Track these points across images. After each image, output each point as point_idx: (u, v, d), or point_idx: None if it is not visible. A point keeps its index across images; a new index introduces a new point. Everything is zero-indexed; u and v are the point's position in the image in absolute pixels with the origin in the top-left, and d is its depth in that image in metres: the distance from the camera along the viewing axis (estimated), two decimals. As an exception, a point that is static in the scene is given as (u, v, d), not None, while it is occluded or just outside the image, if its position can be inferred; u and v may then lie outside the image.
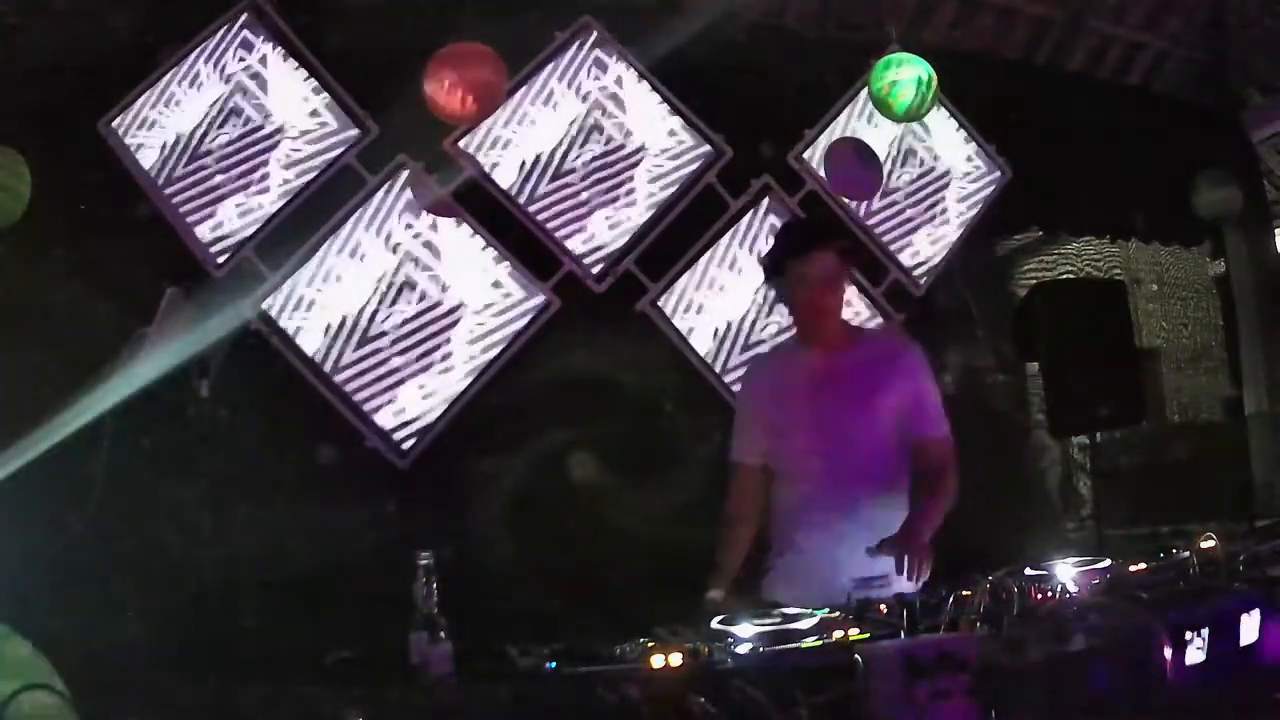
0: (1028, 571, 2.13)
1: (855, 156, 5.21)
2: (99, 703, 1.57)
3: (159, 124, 4.28)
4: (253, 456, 3.83)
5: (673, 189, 4.95)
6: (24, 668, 1.53)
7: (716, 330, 4.97)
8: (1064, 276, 8.87)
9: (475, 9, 4.38)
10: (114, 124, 4.21)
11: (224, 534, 3.59)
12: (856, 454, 2.81)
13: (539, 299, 4.64)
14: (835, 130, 5.33)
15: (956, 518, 2.79)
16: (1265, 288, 6.65)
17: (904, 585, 2.43)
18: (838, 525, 2.77)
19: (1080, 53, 6.22)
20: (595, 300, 4.76)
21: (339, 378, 4.36)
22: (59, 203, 3.79)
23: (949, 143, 5.60)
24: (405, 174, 4.54)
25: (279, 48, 4.46)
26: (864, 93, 5.16)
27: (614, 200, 4.86)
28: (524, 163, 4.77)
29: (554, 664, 1.81)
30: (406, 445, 4.40)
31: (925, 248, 5.47)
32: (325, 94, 4.49)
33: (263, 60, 4.45)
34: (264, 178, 4.38)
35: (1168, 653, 1.72)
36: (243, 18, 4.42)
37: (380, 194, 4.52)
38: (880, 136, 5.39)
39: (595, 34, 4.93)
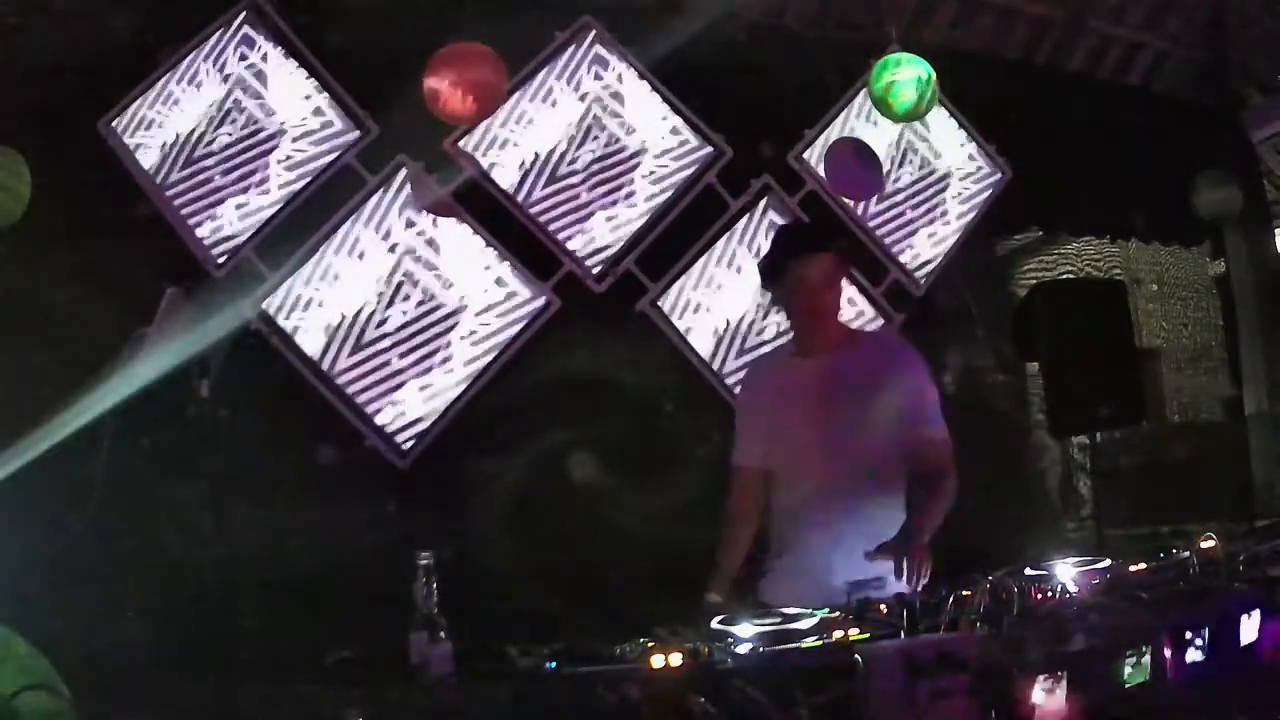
0: (1028, 571, 2.13)
1: (855, 156, 5.20)
2: (99, 703, 1.57)
3: (159, 124, 4.28)
4: (253, 456, 3.82)
5: (673, 189, 4.95)
6: (24, 668, 1.54)
7: (716, 330, 4.97)
8: (1064, 276, 8.87)
9: (475, 9, 4.38)
10: (114, 124, 4.21)
11: (224, 534, 3.58)
12: (854, 456, 2.80)
13: (539, 299, 4.64)
14: (835, 130, 5.33)
15: (956, 518, 2.79)
16: (1265, 288, 6.65)
17: (900, 586, 2.43)
18: (836, 527, 2.77)
19: (1080, 53, 6.22)
20: (595, 300, 4.76)
21: (339, 378, 4.36)
22: (59, 203, 3.79)
23: (949, 143, 5.60)
24: (405, 174, 4.54)
25: (279, 47, 4.47)
26: (864, 93, 5.16)
27: (614, 200, 4.86)
28: (524, 163, 4.77)
29: (554, 664, 1.82)
30: (406, 445, 4.40)
31: (925, 248, 5.46)
32: (325, 94, 4.49)
33: (263, 60, 4.45)
34: (264, 178, 4.38)
35: (1167, 653, 1.72)
36: (243, 17, 4.42)
37: (380, 194, 4.52)
38: (880, 136, 5.39)
39: (595, 34, 4.93)
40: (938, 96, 4.90)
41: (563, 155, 4.82)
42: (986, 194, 5.62)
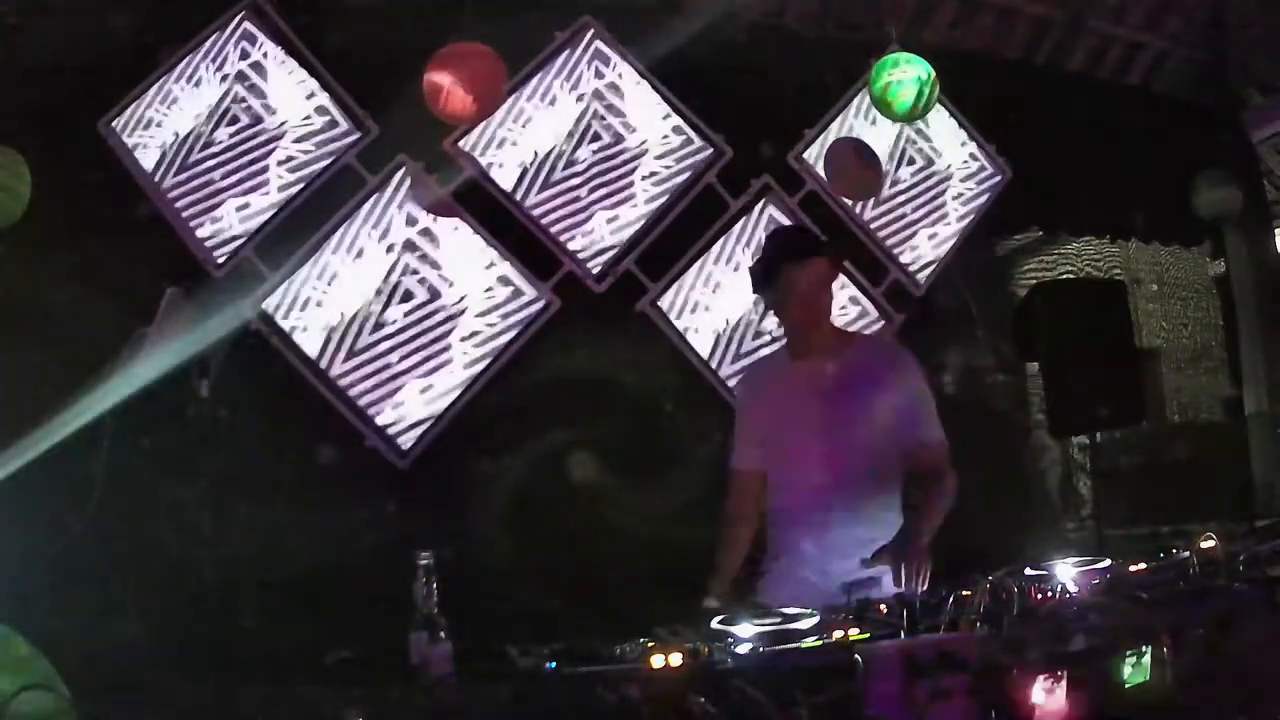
0: (1028, 571, 2.13)
1: (855, 156, 5.20)
2: (99, 703, 1.57)
3: (159, 124, 4.28)
4: (253, 456, 3.83)
5: (673, 189, 4.95)
6: (24, 668, 1.54)
7: (716, 330, 4.97)
8: (1064, 276, 8.87)
9: (475, 9, 4.38)
10: (114, 124, 4.21)
11: (224, 534, 3.59)
12: (851, 458, 2.81)
13: (539, 299, 4.64)
14: (835, 130, 5.33)
15: (956, 518, 2.79)
16: (1265, 288, 6.64)
17: (893, 587, 2.44)
18: (833, 529, 2.78)
19: (1080, 53, 6.22)
20: (595, 300, 4.76)
21: (339, 378, 4.35)
22: (59, 203, 3.78)
23: (949, 143, 5.60)
24: (405, 174, 4.54)
25: (279, 47, 4.46)
26: (864, 93, 5.16)
27: (614, 200, 4.86)
28: (524, 163, 4.77)
29: (554, 664, 1.82)
30: (406, 445, 4.40)
31: (925, 248, 5.46)
32: (325, 94, 4.49)
33: (263, 60, 4.45)
34: (264, 178, 4.38)
35: (1168, 653, 1.72)
36: (243, 17, 4.42)
37: (380, 194, 4.52)
38: (880, 136, 5.39)
39: (595, 34, 4.93)
40: (938, 96, 4.90)
41: (563, 155, 4.82)
42: (986, 194, 5.62)
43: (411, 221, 4.55)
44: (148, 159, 4.24)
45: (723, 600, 2.75)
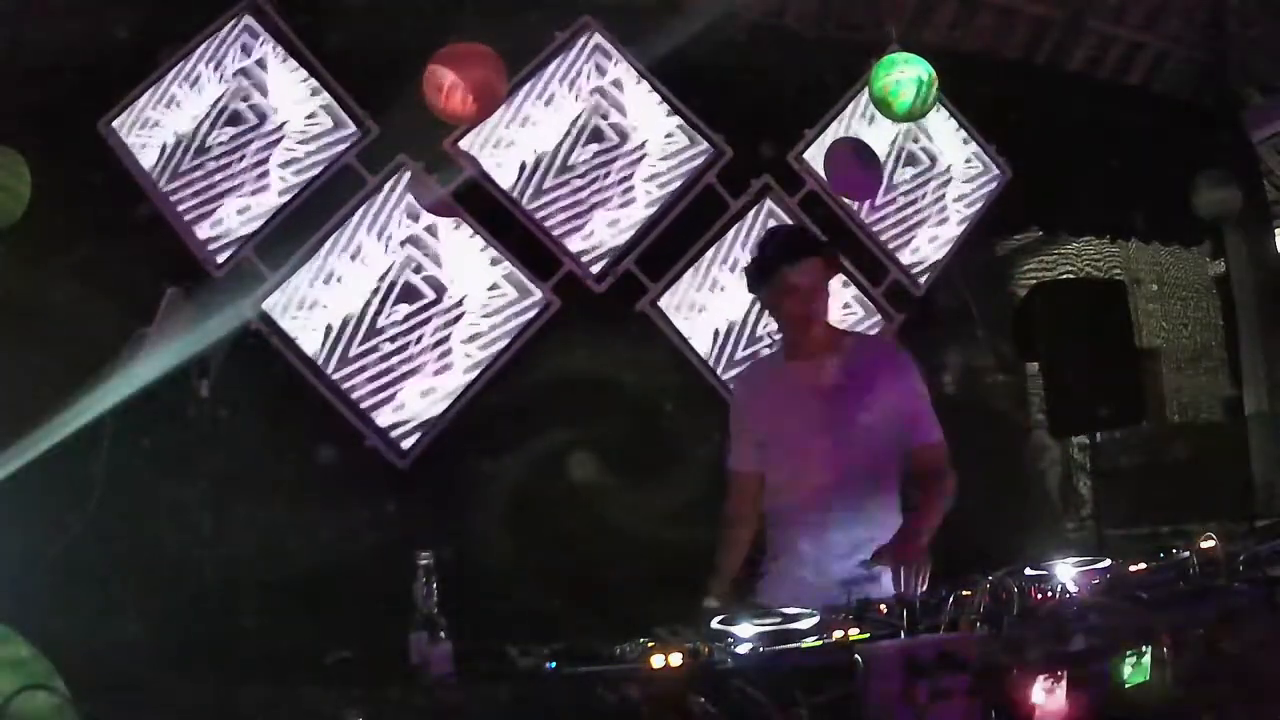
0: (1028, 571, 2.13)
1: (855, 156, 5.20)
2: (99, 703, 1.57)
3: (159, 124, 4.28)
4: (253, 456, 3.83)
5: (673, 189, 4.95)
6: (24, 668, 1.53)
7: (716, 330, 4.97)
8: (1064, 276, 8.88)
9: (475, 9, 4.37)
10: (114, 124, 4.21)
11: (224, 534, 3.59)
12: (849, 460, 2.80)
13: (539, 299, 4.64)
14: (835, 130, 5.33)
15: (956, 518, 2.79)
16: (1265, 288, 6.64)
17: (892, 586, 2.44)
18: (831, 530, 2.78)
19: (1080, 53, 6.22)
20: (595, 300, 4.76)
21: (339, 378, 4.36)
22: (59, 203, 3.78)
23: (949, 143, 5.60)
24: (405, 174, 4.54)
25: (279, 48, 4.46)
26: (864, 93, 5.16)
27: (614, 200, 4.86)
28: (524, 163, 4.77)
29: (554, 664, 1.82)
30: (406, 445, 4.40)
31: (925, 248, 5.46)
32: (325, 94, 4.49)
33: (263, 60, 4.45)
34: (264, 177, 4.38)
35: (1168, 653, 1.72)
36: (243, 18, 4.42)
37: (380, 194, 4.52)
38: (880, 136, 5.39)
39: (595, 34, 4.93)
40: (938, 96, 4.90)
41: (563, 155, 4.82)
42: (986, 194, 5.62)
43: (411, 222, 4.55)
44: (148, 159, 4.24)
45: (722, 601, 2.74)
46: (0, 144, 3.68)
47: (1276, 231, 7.12)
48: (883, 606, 2.07)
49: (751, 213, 5.10)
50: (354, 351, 4.39)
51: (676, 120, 5.00)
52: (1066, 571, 2.13)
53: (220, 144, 4.35)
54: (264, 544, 3.79)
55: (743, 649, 1.84)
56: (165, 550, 3.67)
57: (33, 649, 1.58)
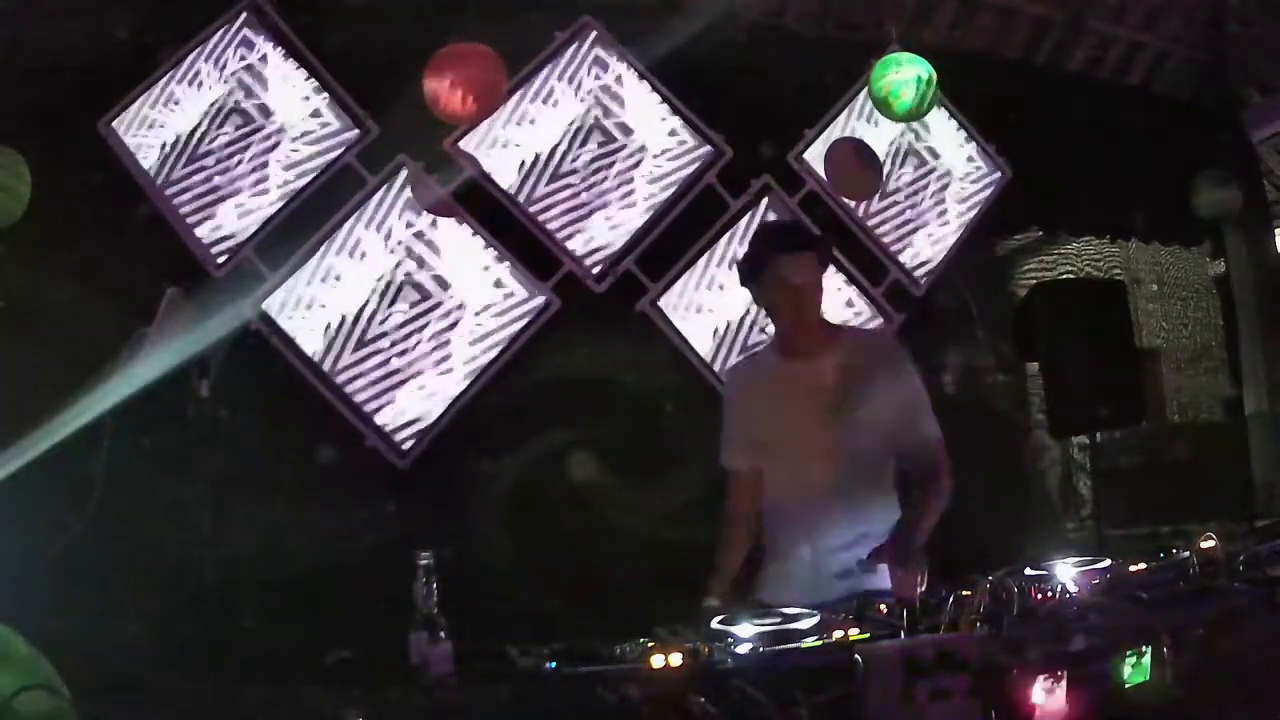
0: (1028, 571, 2.13)
1: (855, 156, 5.20)
2: (99, 703, 1.57)
3: (159, 124, 4.28)
4: (253, 456, 3.83)
5: (673, 189, 4.95)
6: (24, 668, 1.53)
7: (716, 330, 4.97)
8: (1064, 276, 8.87)
9: (475, 9, 4.38)
10: (114, 124, 4.21)
11: (224, 534, 3.60)
12: (844, 456, 2.78)
13: (539, 299, 4.64)
14: (835, 130, 5.33)
15: (957, 518, 2.78)
16: (1265, 288, 6.64)
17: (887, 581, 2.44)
18: (827, 527, 2.76)
19: (1080, 53, 6.22)
20: (595, 300, 4.76)
21: (339, 378, 4.36)
22: (59, 203, 3.78)
23: (949, 143, 5.60)
24: (405, 174, 4.54)
25: (279, 47, 4.46)
26: (864, 93, 5.16)
27: (614, 200, 4.86)
28: (524, 163, 4.77)
29: (554, 664, 1.82)
30: (406, 445, 4.40)
31: (925, 248, 5.46)
32: (325, 94, 4.49)
33: (263, 60, 4.45)
34: (264, 178, 4.38)
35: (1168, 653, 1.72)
36: (243, 18, 4.42)
37: (380, 194, 4.52)
38: (880, 136, 5.39)
39: (595, 34, 4.93)
40: (938, 96, 4.90)
41: (563, 155, 4.82)
42: (986, 194, 5.62)
43: (411, 222, 4.55)
44: (148, 159, 4.24)
45: (722, 600, 2.73)
46: (0, 144, 3.68)
47: (1276, 231, 7.12)
48: (883, 606, 2.07)
49: (751, 213, 5.10)
50: (354, 351, 4.39)
51: (676, 120, 5.00)
52: (1066, 571, 2.13)
53: (220, 144, 4.35)
54: (264, 544, 3.79)
55: (743, 649, 1.84)
56: (165, 550, 3.67)
57: (33, 649, 1.58)
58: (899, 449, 2.83)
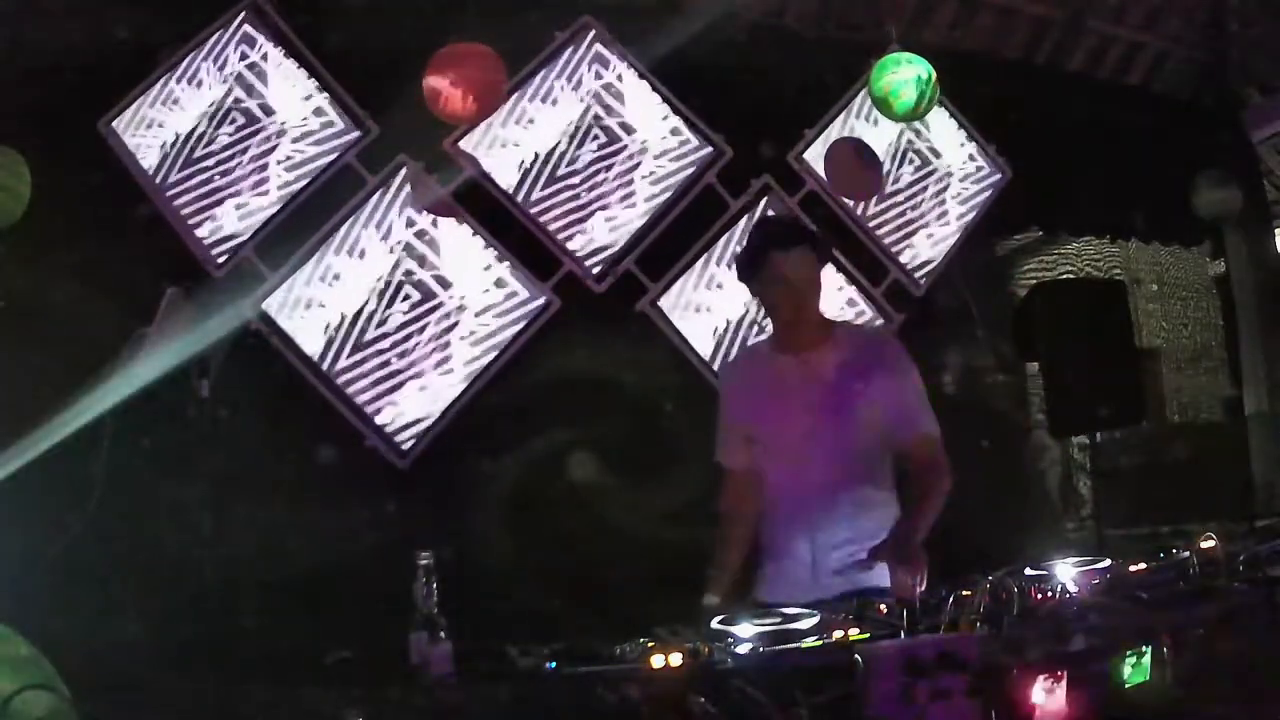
0: (1028, 571, 2.13)
1: (855, 156, 5.21)
2: (99, 703, 1.57)
3: (159, 124, 4.28)
4: (253, 456, 3.83)
5: (673, 189, 4.95)
6: (24, 668, 1.53)
7: (716, 330, 4.97)
8: (1064, 276, 8.87)
9: (475, 9, 4.38)
10: (114, 124, 4.21)
11: (224, 534, 3.60)
12: (841, 453, 2.76)
13: (539, 299, 4.64)
14: (835, 130, 5.33)
15: (956, 518, 2.77)
16: (1265, 288, 6.65)
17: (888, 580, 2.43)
18: (825, 524, 2.74)
19: (1080, 53, 6.22)
20: (595, 300, 4.76)
21: (339, 378, 4.36)
22: (59, 203, 3.79)
23: (949, 143, 5.60)
24: (405, 174, 4.54)
25: (279, 47, 4.47)
26: (864, 93, 5.16)
27: (614, 200, 4.86)
28: (524, 163, 4.77)
29: (554, 664, 1.82)
30: (406, 445, 4.40)
31: (925, 248, 5.46)
32: (325, 94, 4.49)
33: (263, 60, 4.45)
34: (264, 178, 4.39)
35: (1168, 653, 1.72)
36: (243, 17, 4.42)
37: (380, 194, 4.53)
38: (880, 136, 5.39)
39: (595, 34, 4.93)
40: (938, 96, 4.90)
41: (563, 155, 4.82)
42: (986, 194, 5.62)
43: (411, 222, 4.55)
44: (148, 159, 4.25)
45: (722, 598, 2.73)
46: (0, 144, 3.68)
47: (1276, 231, 7.13)
48: (883, 606, 2.07)
49: (751, 213, 5.10)
50: (354, 351, 4.39)
51: (676, 120, 5.00)
52: (1066, 571, 2.14)
53: (220, 144, 4.35)
54: (264, 544, 3.79)
55: (743, 649, 1.84)
56: (165, 550, 3.67)
57: (33, 649, 1.58)
58: (897, 445, 2.81)
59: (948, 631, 1.78)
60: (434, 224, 4.56)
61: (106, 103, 4.19)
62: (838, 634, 1.87)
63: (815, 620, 1.91)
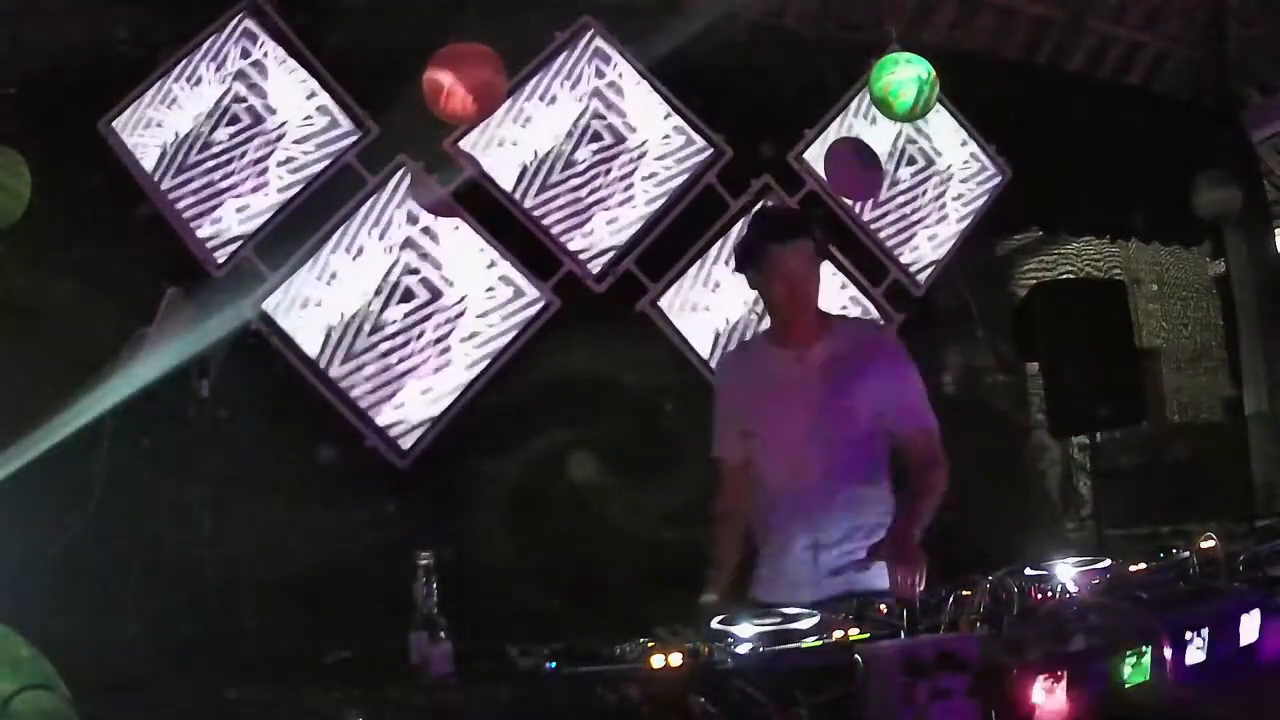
0: (1028, 571, 2.13)
1: (855, 156, 5.21)
2: (99, 703, 1.57)
3: (159, 124, 4.28)
4: (253, 456, 3.84)
5: (673, 189, 4.95)
6: (24, 668, 1.53)
7: (716, 330, 4.97)
8: (1064, 276, 8.87)
9: (475, 9, 4.38)
10: (114, 124, 4.21)
11: (224, 534, 3.60)
12: (836, 449, 2.74)
13: (539, 299, 4.64)
14: (835, 130, 5.33)
15: (956, 518, 2.77)
16: (1265, 288, 6.65)
17: (886, 578, 2.43)
18: (821, 520, 2.73)
19: (1080, 53, 6.22)
20: (595, 300, 4.75)
21: (339, 378, 4.35)
22: (59, 203, 3.79)
23: (949, 143, 5.59)
24: (405, 174, 4.54)
25: (279, 48, 4.46)
26: (864, 93, 5.16)
27: (614, 200, 4.86)
28: (524, 163, 4.77)
29: (554, 664, 1.82)
30: (406, 445, 4.40)
31: (925, 248, 5.46)
32: (325, 94, 4.49)
33: (263, 60, 4.45)
34: (264, 177, 4.38)
35: (1168, 653, 1.72)
36: (243, 17, 4.42)
37: (380, 194, 4.52)
38: (880, 136, 5.39)
39: (595, 34, 4.93)
40: (938, 96, 4.90)
41: (563, 155, 4.82)
42: (986, 194, 5.62)
43: (411, 221, 4.55)
44: (148, 159, 4.24)
45: (719, 597, 2.72)
46: (0, 144, 3.68)
47: (1276, 231, 7.13)
48: (883, 606, 2.07)
49: (751, 213, 5.10)
50: (354, 351, 4.39)
51: (676, 120, 5.00)
52: (1066, 571, 2.14)
53: (220, 144, 4.35)
54: (264, 544, 3.79)
55: (743, 649, 1.84)
56: (165, 550, 3.67)
57: (33, 649, 1.58)
58: (895, 439, 2.80)
59: (948, 631, 1.78)
60: (434, 224, 4.56)
61: (106, 103, 4.19)
62: (838, 634, 1.87)
63: (815, 620, 1.92)
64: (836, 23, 5.48)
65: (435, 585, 1.84)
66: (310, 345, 4.34)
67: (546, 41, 4.86)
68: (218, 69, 4.38)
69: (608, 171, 4.87)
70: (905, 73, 4.79)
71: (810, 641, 1.85)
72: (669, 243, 4.92)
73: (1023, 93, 5.81)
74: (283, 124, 4.44)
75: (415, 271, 4.52)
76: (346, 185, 4.48)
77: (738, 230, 4.97)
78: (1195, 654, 1.79)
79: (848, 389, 2.76)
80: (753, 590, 2.83)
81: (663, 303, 4.90)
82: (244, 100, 4.41)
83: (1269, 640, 1.91)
